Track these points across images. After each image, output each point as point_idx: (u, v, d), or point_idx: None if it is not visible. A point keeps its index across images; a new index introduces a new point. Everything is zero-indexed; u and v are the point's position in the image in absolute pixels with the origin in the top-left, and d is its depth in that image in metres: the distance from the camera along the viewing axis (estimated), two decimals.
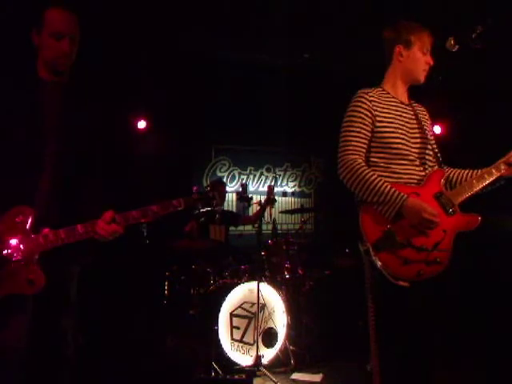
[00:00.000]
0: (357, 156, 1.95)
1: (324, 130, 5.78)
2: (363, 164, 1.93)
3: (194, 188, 2.04)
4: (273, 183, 6.01)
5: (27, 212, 1.72)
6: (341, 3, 3.88)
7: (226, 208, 5.67)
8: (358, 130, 1.98)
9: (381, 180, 1.88)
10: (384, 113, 2.02)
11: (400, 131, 2.01)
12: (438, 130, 5.72)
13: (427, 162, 2.07)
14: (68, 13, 1.85)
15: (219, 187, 4.66)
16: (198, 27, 4.32)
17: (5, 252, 1.68)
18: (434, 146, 2.12)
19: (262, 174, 6.12)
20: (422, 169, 2.03)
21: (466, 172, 2.09)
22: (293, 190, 6.25)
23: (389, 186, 1.86)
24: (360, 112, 2.00)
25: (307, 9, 4.01)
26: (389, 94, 2.10)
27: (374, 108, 2.01)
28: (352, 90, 2.12)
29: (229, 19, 4.14)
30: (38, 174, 1.77)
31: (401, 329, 1.88)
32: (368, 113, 1.99)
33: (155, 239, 4.14)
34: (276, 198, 4.22)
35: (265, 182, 6.08)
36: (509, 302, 3.99)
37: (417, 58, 2.07)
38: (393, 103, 2.07)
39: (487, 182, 1.97)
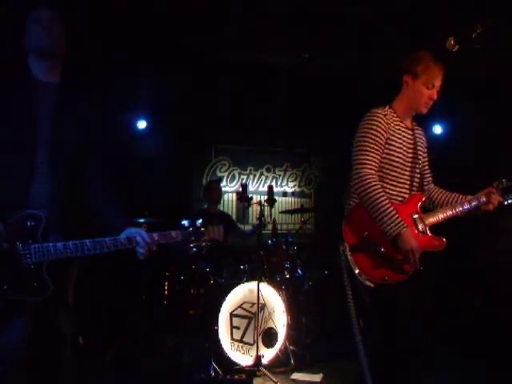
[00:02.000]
0: (374, 171, 2.11)
1: (324, 130, 5.82)
2: (378, 183, 2.08)
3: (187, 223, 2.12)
4: (273, 183, 6.01)
5: (39, 217, 1.72)
6: (341, 3, 3.88)
7: (225, 208, 5.68)
8: (374, 145, 2.13)
9: (389, 204, 2.04)
10: (394, 136, 2.19)
11: (400, 155, 2.20)
12: (438, 129, 5.71)
13: (414, 184, 2.26)
14: (46, 7, 1.90)
15: (214, 186, 4.68)
16: (199, 27, 4.31)
17: (15, 255, 1.66)
18: (425, 168, 2.36)
19: (262, 174, 6.12)
20: (408, 191, 2.23)
21: (448, 197, 2.33)
22: (293, 189, 6.24)
23: (394, 212, 2.02)
24: (377, 131, 2.14)
25: (307, 9, 4.00)
26: (398, 117, 2.24)
27: (389, 131, 2.17)
28: (352, 90, 2.14)
29: (229, 19, 4.13)
30: (29, 174, 1.76)
31: (376, 317, 2.14)
32: (384, 133, 2.15)
33: None
34: (276, 198, 4.21)
35: (265, 182, 6.08)
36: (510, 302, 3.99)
37: (420, 91, 2.20)
38: (400, 127, 2.24)
39: (457, 212, 2.23)
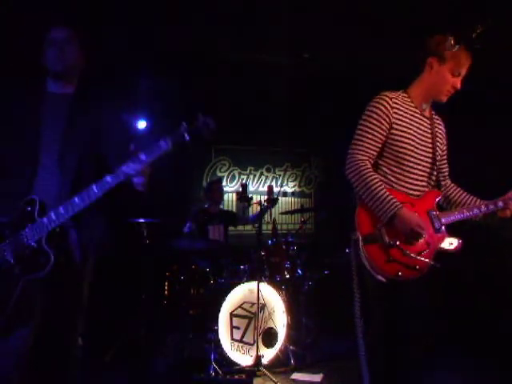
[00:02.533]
0: (366, 157, 2.01)
1: (324, 130, 5.82)
2: (369, 167, 1.99)
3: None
4: (273, 183, 6.02)
5: (34, 200, 1.85)
6: (341, 3, 3.88)
7: (225, 208, 5.67)
8: (372, 131, 2.03)
9: (381, 186, 1.95)
10: (403, 121, 2.06)
11: (412, 143, 2.07)
12: None
13: (431, 178, 2.15)
14: (61, 26, 2.02)
15: (215, 186, 4.69)
16: (199, 27, 4.31)
17: (18, 241, 1.81)
18: (443, 162, 2.23)
19: (262, 173, 6.12)
20: (424, 184, 2.12)
21: (465, 198, 2.22)
22: (293, 190, 6.24)
23: (387, 193, 1.93)
24: (379, 115, 2.03)
25: (307, 9, 4.00)
26: (412, 102, 2.12)
27: (395, 116, 2.04)
28: (352, 90, 2.13)
29: (229, 19, 4.13)
30: (33, 173, 1.89)
31: (380, 313, 2.04)
32: (387, 118, 2.03)
33: (155, 239, 4.14)
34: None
35: (265, 182, 6.08)
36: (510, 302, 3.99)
37: (445, 78, 2.05)
38: (413, 113, 2.11)
39: (473, 214, 2.12)
